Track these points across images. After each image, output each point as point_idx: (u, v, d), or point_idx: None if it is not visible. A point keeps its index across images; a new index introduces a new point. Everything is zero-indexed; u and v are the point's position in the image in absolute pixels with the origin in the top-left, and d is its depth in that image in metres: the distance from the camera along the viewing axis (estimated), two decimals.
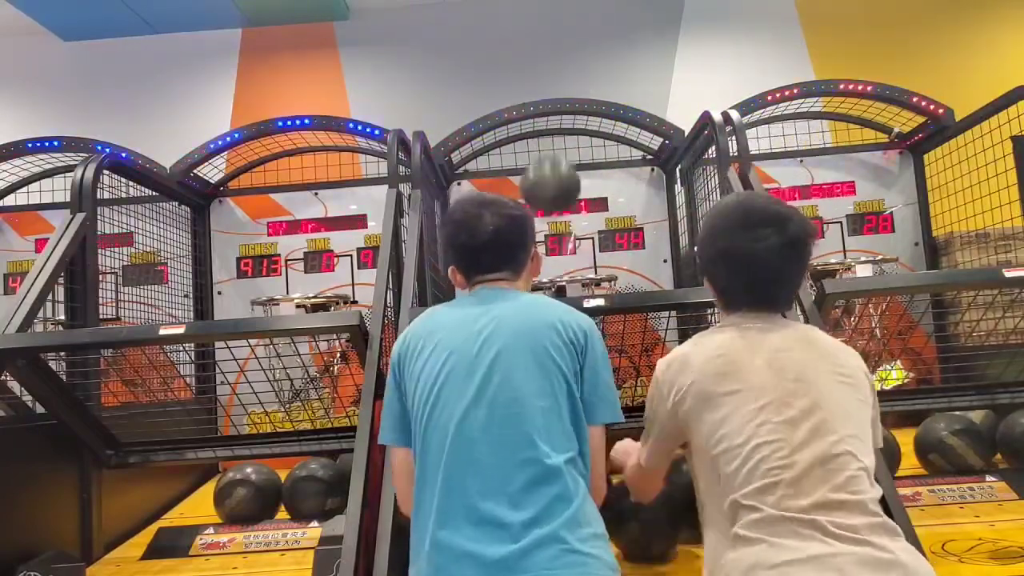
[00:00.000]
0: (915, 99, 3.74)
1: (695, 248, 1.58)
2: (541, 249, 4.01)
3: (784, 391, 1.30)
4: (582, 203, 4.02)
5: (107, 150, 3.73)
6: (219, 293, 4.05)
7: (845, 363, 1.37)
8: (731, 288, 1.47)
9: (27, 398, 2.41)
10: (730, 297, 1.48)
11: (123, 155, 3.67)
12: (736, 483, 1.27)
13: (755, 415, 1.29)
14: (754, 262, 1.39)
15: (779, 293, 1.45)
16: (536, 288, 3.17)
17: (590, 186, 4.11)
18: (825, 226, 3.94)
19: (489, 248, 1.52)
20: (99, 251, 2.91)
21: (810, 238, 1.41)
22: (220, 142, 3.87)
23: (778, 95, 3.78)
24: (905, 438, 2.67)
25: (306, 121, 3.83)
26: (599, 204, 4.08)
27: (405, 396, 1.47)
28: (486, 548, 1.26)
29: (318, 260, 4.08)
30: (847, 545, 1.17)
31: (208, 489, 3.01)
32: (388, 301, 2.54)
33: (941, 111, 3.71)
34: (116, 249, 3.47)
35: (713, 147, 3.10)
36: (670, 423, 1.41)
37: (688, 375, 1.37)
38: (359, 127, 3.85)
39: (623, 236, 4.06)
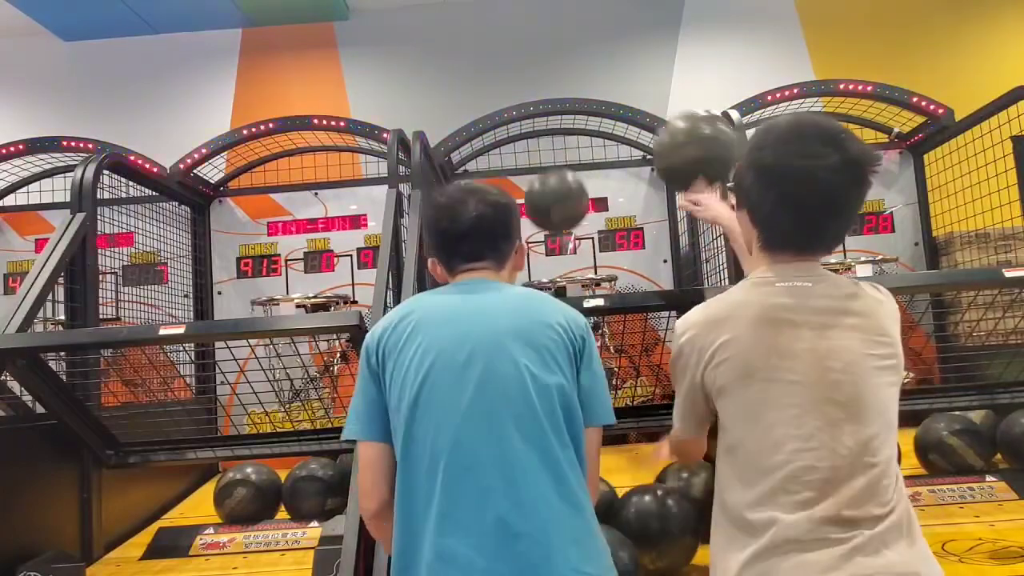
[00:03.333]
0: (915, 99, 3.74)
1: (734, 172, 1.34)
2: (540, 249, 4.03)
3: (829, 385, 1.15)
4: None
5: (107, 150, 3.74)
6: (219, 293, 4.05)
7: (893, 336, 1.21)
8: (774, 219, 1.23)
9: (27, 398, 2.41)
10: (772, 232, 1.25)
11: (123, 155, 3.68)
12: (765, 487, 1.15)
13: (795, 411, 1.15)
14: (807, 183, 1.16)
15: (830, 228, 1.23)
16: (538, 289, 3.16)
17: (590, 186, 4.11)
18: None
19: (471, 235, 1.45)
20: (99, 251, 2.91)
21: (873, 160, 1.19)
22: (220, 142, 3.87)
23: (778, 95, 3.78)
24: (905, 438, 2.66)
25: (306, 121, 3.83)
26: (599, 204, 4.08)
27: (386, 390, 1.36)
28: (495, 559, 1.21)
29: (318, 260, 4.08)
30: (866, 559, 1.09)
31: (208, 489, 3.01)
32: (388, 301, 2.54)
33: (941, 111, 3.71)
34: (116, 249, 3.47)
35: None
36: (700, 391, 1.26)
37: (732, 339, 1.20)
38: (359, 127, 3.85)
39: (623, 236, 4.06)
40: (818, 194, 1.17)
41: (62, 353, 2.59)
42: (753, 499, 1.16)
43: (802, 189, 1.18)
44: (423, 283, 2.74)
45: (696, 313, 1.28)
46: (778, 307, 1.20)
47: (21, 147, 3.96)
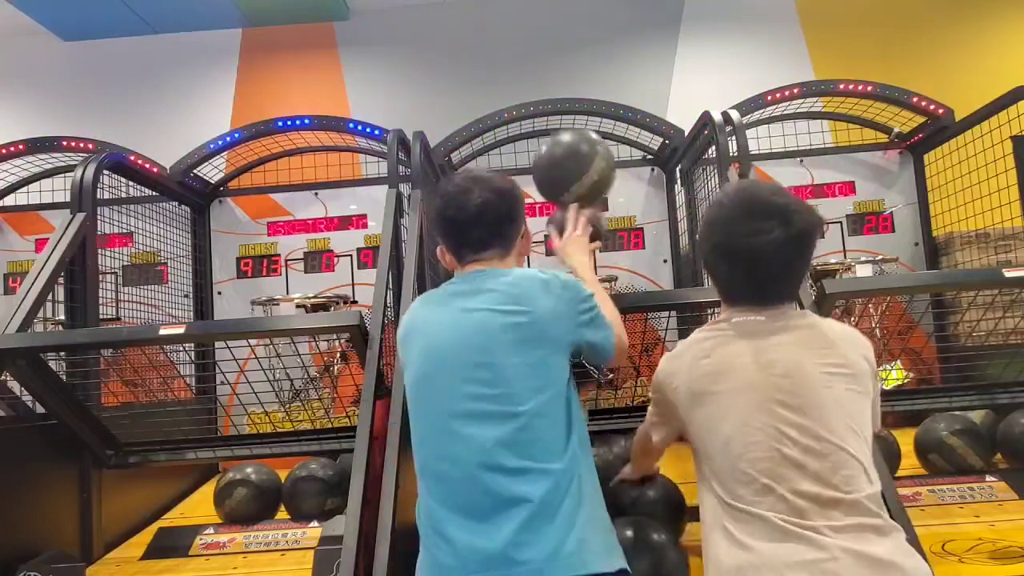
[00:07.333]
0: (915, 99, 3.74)
1: (697, 237, 1.52)
2: (540, 248, 4.02)
3: (773, 387, 1.27)
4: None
5: (107, 150, 3.73)
6: (219, 293, 4.05)
7: (844, 353, 1.32)
8: (731, 283, 1.41)
9: (27, 398, 2.41)
10: (730, 292, 1.43)
11: (123, 155, 3.67)
12: (727, 483, 1.26)
13: (744, 413, 1.27)
14: (755, 257, 1.32)
15: (782, 289, 1.39)
16: None
17: None
18: (825, 226, 3.94)
19: (477, 222, 1.50)
20: (99, 251, 2.91)
21: (816, 229, 1.33)
22: (220, 142, 3.86)
23: (778, 95, 3.77)
24: (905, 438, 2.67)
25: (306, 121, 3.83)
26: (599, 204, 4.08)
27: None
28: (482, 542, 1.29)
29: (318, 260, 4.08)
30: (840, 545, 1.15)
31: (208, 489, 3.01)
32: (388, 301, 2.54)
33: (941, 111, 3.71)
34: (116, 249, 3.47)
35: (713, 147, 3.10)
36: (671, 419, 1.45)
37: (680, 376, 1.38)
38: (359, 127, 3.85)
39: (623, 236, 4.06)
40: (764, 265, 1.33)
41: (62, 353, 2.59)
42: (718, 501, 1.28)
43: (749, 262, 1.33)
44: (423, 283, 2.75)
45: (672, 352, 1.47)
46: (730, 337, 1.36)
47: (21, 147, 3.94)
